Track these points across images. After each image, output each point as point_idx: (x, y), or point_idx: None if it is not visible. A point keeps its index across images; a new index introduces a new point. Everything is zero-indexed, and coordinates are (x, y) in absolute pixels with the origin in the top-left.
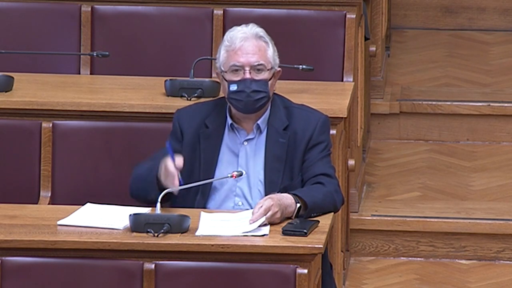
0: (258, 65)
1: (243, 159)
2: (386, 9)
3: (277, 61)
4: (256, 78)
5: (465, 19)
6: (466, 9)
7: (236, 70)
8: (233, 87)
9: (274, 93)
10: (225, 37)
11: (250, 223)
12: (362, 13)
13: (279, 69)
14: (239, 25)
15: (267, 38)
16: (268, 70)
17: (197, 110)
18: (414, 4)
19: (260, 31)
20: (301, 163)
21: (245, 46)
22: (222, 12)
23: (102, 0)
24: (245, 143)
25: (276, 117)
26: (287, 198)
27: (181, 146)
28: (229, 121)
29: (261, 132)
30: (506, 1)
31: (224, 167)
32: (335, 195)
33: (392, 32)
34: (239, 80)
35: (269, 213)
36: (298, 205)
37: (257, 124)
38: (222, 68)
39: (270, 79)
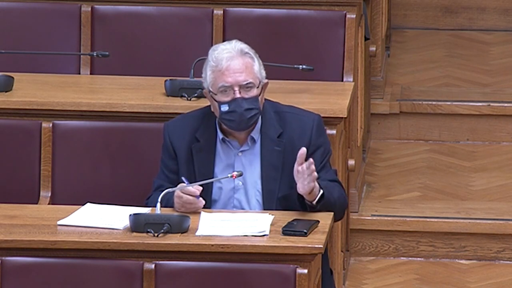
0: (247, 83)
1: (239, 170)
2: (386, 9)
3: (264, 74)
4: (246, 96)
5: (465, 19)
6: (466, 9)
7: (225, 91)
8: (225, 108)
9: None
10: (209, 56)
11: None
12: (362, 13)
13: (266, 81)
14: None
15: (252, 53)
16: (256, 87)
17: (185, 123)
18: (414, 4)
19: (245, 47)
20: None
21: (232, 66)
22: (222, 12)
23: (102, 0)
24: (240, 154)
25: (269, 125)
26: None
27: (176, 163)
28: (220, 135)
29: (255, 141)
30: (506, 1)
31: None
32: (344, 200)
33: (392, 32)
34: (230, 101)
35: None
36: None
37: (251, 136)
38: (211, 89)
39: (259, 94)
